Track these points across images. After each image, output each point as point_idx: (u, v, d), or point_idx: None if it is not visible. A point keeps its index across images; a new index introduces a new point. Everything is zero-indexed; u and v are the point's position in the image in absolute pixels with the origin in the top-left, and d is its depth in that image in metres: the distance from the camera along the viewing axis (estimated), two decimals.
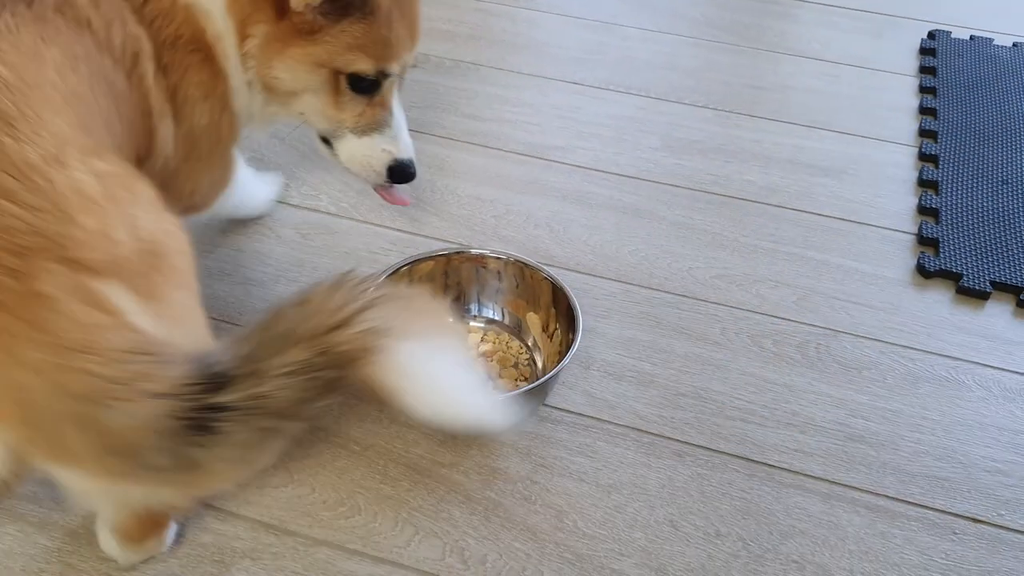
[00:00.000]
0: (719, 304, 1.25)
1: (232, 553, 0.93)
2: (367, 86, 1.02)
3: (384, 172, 1.08)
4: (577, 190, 1.44)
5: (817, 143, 1.58)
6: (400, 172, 1.09)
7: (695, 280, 1.28)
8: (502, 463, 1.03)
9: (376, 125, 1.05)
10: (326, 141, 1.08)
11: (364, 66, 0.99)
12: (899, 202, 1.46)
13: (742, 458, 1.06)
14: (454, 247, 1.16)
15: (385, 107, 1.05)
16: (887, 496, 1.02)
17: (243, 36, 0.95)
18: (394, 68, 1.02)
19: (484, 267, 1.15)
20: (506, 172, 1.46)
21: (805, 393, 1.14)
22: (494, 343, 1.15)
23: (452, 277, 1.16)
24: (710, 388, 1.13)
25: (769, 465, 1.05)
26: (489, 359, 1.12)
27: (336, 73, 0.98)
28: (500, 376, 1.11)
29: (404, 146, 1.08)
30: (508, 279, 1.15)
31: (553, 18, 1.93)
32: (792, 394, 1.13)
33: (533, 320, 1.14)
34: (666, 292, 1.26)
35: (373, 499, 0.99)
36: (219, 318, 1.18)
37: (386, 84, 1.03)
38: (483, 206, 1.39)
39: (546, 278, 1.12)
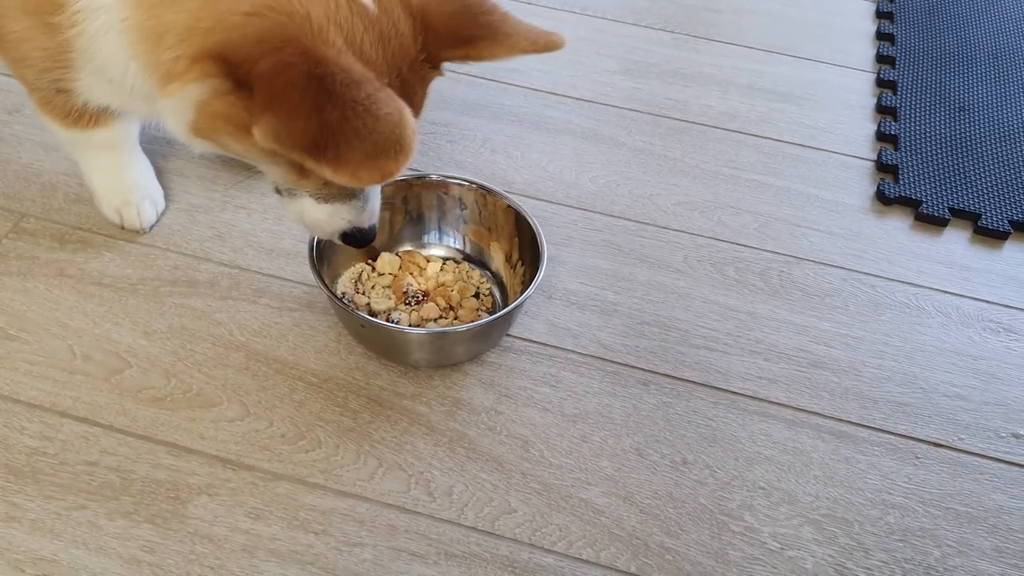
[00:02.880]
0: (681, 231, 1.23)
1: (188, 489, 0.89)
2: None
3: (335, 235, 0.92)
4: (535, 114, 1.39)
5: (775, 68, 1.55)
6: (355, 238, 0.93)
7: (656, 207, 1.26)
8: (465, 394, 1.01)
9: (343, 196, 0.88)
10: (278, 191, 0.93)
11: None
12: (858, 128, 1.44)
13: (707, 386, 1.05)
14: (414, 173, 1.11)
15: None
16: (850, 422, 1.03)
17: (161, 75, 0.78)
18: None
19: (446, 193, 1.11)
20: (459, 95, 1.41)
21: (768, 320, 1.13)
22: (454, 272, 1.11)
23: (412, 204, 1.11)
24: (673, 316, 1.12)
25: (734, 392, 1.04)
26: (449, 289, 1.09)
27: None
28: (460, 306, 1.08)
29: (369, 215, 0.92)
30: (471, 207, 1.11)
31: None
32: (755, 321, 1.12)
33: (496, 249, 1.11)
34: (628, 220, 1.24)
35: (334, 432, 0.96)
36: (165, 247, 1.12)
37: None
38: (436, 131, 1.34)
39: (510, 206, 1.08)
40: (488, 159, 1.30)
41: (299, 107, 0.68)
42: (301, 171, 0.84)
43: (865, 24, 1.69)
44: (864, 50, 1.62)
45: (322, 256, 1.03)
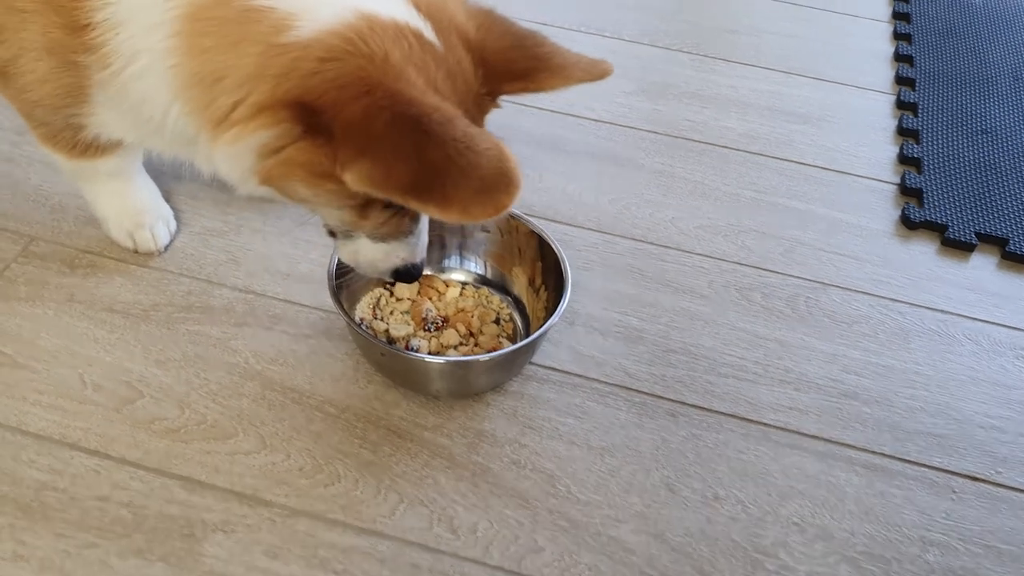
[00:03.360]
0: (705, 256, 1.20)
1: (203, 526, 0.86)
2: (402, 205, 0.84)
3: (388, 273, 0.92)
4: (551, 136, 1.37)
5: (794, 89, 1.53)
6: (406, 275, 0.93)
7: (679, 231, 1.23)
8: (488, 425, 0.98)
9: (399, 233, 0.88)
10: (331, 233, 0.93)
11: None
12: (880, 151, 1.42)
13: (737, 417, 1.02)
14: None
15: (415, 217, 0.88)
16: (884, 454, 1.00)
17: (214, 120, 0.75)
18: None
19: None
20: None
21: (797, 348, 1.10)
22: (474, 297, 1.08)
23: (433, 227, 1.08)
24: (700, 344, 1.09)
25: (765, 424, 1.01)
26: (469, 314, 1.06)
27: (370, 199, 0.80)
28: (481, 332, 1.05)
29: (420, 250, 0.92)
30: (493, 231, 1.08)
31: None
32: (784, 349, 1.10)
33: (518, 274, 1.08)
34: (650, 243, 1.21)
35: (353, 465, 0.92)
36: (178, 272, 1.09)
37: None
38: None
39: (532, 230, 1.05)
40: None
41: (398, 150, 0.67)
42: (362, 213, 0.83)
43: (882, 45, 1.67)
44: (882, 71, 1.60)
45: (340, 282, 1.00)
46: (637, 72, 1.53)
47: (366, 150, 0.68)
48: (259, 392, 0.98)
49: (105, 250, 1.11)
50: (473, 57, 0.80)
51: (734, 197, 1.30)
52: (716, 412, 1.02)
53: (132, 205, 1.09)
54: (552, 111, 1.41)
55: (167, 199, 1.15)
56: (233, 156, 0.76)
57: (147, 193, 1.11)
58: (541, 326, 0.97)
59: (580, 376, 1.04)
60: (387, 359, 0.96)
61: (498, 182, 0.67)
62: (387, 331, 1.03)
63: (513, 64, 0.82)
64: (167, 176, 1.20)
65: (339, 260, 0.99)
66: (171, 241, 1.12)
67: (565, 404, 1.00)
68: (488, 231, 1.08)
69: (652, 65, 1.55)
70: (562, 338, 1.07)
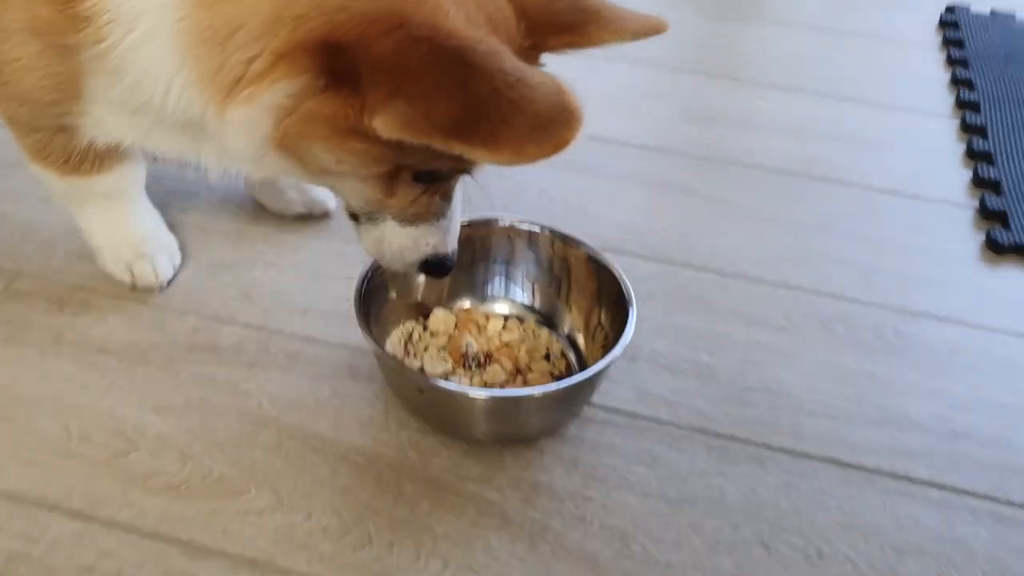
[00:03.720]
0: (777, 284, 1.06)
1: None
2: (434, 178, 0.76)
3: (416, 263, 0.82)
4: (593, 162, 1.24)
5: (851, 115, 1.41)
6: (437, 266, 0.83)
7: (744, 258, 1.10)
8: (544, 476, 0.83)
9: (428, 215, 0.79)
10: (353, 216, 0.82)
11: (444, 167, 0.73)
12: (950, 174, 1.29)
13: (833, 461, 0.87)
14: (477, 216, 0.95)
15: (446, 196, 0.80)
16: (1013, 503, 0.84)
17: (225, 85, 0.66)
18: (480, 167, 0.76)
19: (514, 240, 0.95)
20: None
21: (892, 383, 0.95)
22: (519, 331, 0.94)
23: (471, 253, 0.95)
24: (782, 380, 0.94)
25: (866, 469, 0.86)
26: (515, 349, 0.92)
27: (400, 166, 0.72)
28: (530, 369, 0.91)
29: (451, 238, 0.83)
30: (543, 256, 0.95)
31: None
32: (877, 385, 0.95)
33: (571, 306, 0.94)
34: (713, 272, 1.07)
35: (386, 525, 0.77)
36: (183, 308, 0.96)
37: (455, 178, 0.79)
38: (484, 180, 1.18)
39: (590, 256, 0.92)
40: (546, 208, 1.15)
41: (439, 85, 0.58)
42: (389, 188, 0.74)
43: (935, 71, 1.56)
44: (939, 96, 1.48)
45: (368, 313, 0.86)
46: (680, 99, 1.41)
47: (400, 88, 0.59)
48: (274, 441, 0.84)
49: (99, 286, 0.98)
50: (515, 7, 0.71)
51: (800, 223, 1.17)
52: (809, 456, 0.87)
53: (131, 233, 0.97)
54: (593, 138, 1.29)
55: (172, 231, 1.03)
56: (246, 123, 0.66)
57: (149, 220, 0.99)
58: (601, 359, 0.82)
59: (648, 418, 0.89)
60: (426, 396, 0.82)
61: (557, 116, 0.58)
62: (421, 369, 0.89)
63: (558, 16, 0.72)
64: (173, 207, 1.08)
65: (366, 285, 0.86)
66: (175, 275, 0.99)
67: (633, 450, 0.86)
68: (537, 257, 0.95)
69: (695, 92, 1.43)
70: (624, 376, 0.93)
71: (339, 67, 0.62)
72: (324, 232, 1.07)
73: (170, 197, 1.10)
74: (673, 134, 1.32)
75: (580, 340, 0.93)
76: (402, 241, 0.79)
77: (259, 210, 1.09)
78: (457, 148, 0.59)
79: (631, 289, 0.88)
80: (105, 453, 0.81)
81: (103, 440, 0.83)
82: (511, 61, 0.60)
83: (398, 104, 0.59)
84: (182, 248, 1.02)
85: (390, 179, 0.73)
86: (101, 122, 0.81)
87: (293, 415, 0.86)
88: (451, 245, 0.82)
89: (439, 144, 0.59)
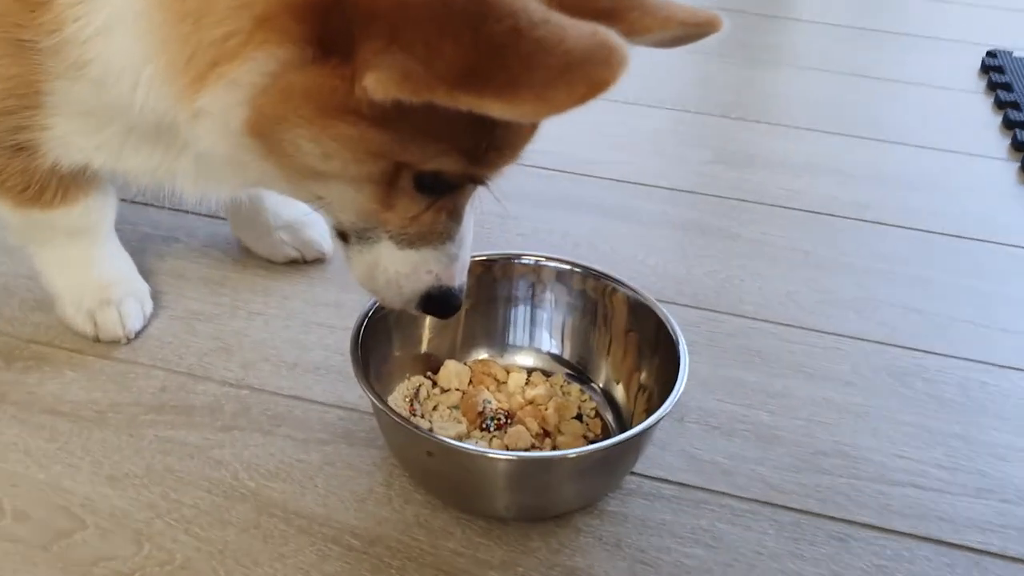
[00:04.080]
0: (839, 335, 0.92)
1: None
2: (441, 186, 0.63)
3: (416, 300, 0.68)
4: (621, 205, 1.12)
5: (898, 157, 1.29)
6: (440, 303, 0.68)
7: (798, 306, 0.96)
8: (582, 561, 0.67)
9: (432, 236, 0.65)
10: (343, 236, 0.68)
11: (452, 168, 0.60)
12: (1017, 218, 1.16)
13: (930, 540, 0.71)
14: (489, 254, 0.82)
15: (454, 214, 0.66)
16: None
17: (198, 71, 0.56)
18: (496, 174, 0.63)
19: (539, 278, 0.81)
20: (530, 188, 1.14)
21: (988, 446, 0.80)
22: (545, 386, 0.80)
23: (488, 294, 0.81)
24: (858, 444, 0.80)
25: (971, 549, 0.71)
26: (542, 407, 0.77)
27: (400, 165, 0.60)
28: (559, 431, 0.76)
29: (460, 269, 0.69)
30: (574, 298, 0.81)
31: None
32: (971, 448, 0.80)
33: (608, 357, 0.80)
34: (765, 321, 0.93)
35: None
36: (150, 363, 0.82)
37: (467, 190, 0.66)
38: (505, 224, 1.06)
39: (628, 296, 0.78)
40: (571, 252, 1.00)
41: (444, 28, 0.48)
42: (387, 197, 0.61)
43: (983, 113, 1.44)
44: (992, 138, 1.36)
45: (367, 365, 0.72)
46: (713, 141, 1.30)
47: (397, 35, 0.48)
48: (251, 518, 0.69)
49: (56, 339, 0.84)
50: None
51: (857, 268, 1.03)
52: (900, 533, 0.72)
53: (96, 277, 0.84)
54: (618, 180, 1.17)
55: (147, 278, 0.90)
56: (218, 111, 0.55)
57: (117, 262, 0.86)
58: (646, 419, 0.68)
59: (703, 489, 0.74)
60: (436, 459, 0.67)
61: (593, 53, 0.46)
62: (430, 430, 0.74)
63: (595, 2, 0.59)
64: (149, 252, 0.95)
65: (365, 330, 0.72)
66: (144, 326, 0.86)
67: (688, 528, 0.70)
68: (567, 299, 0.81)
69: (729, 135, 1.32)
70: (671, 439, 0.78)
71: (329, 31, 0.50)
72: (318, 279, 0.94)
73: (146, 242, 0.97)
74: (706, 176, 1.20)
75: (618, 396, 0.79)
76: (400, 267, 0.66)
77: (246, 255, 0.96)
78: (466, 102, 0.47)
79: (680, 334, 0.74)
80: (44, 534, 0.67)
81: (43, 518, 0.68)
82: (535, 2, 0.48)
83: (395, 54, 0.47)
84: (156, 296, 0.89)
85: (388, 185, 0.60)
86: (65, 139, 0.70)
87: (275, 487, 0.71)
88: (459, 277, 0.68)
89: (443, 99, 0.48)
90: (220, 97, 0.54)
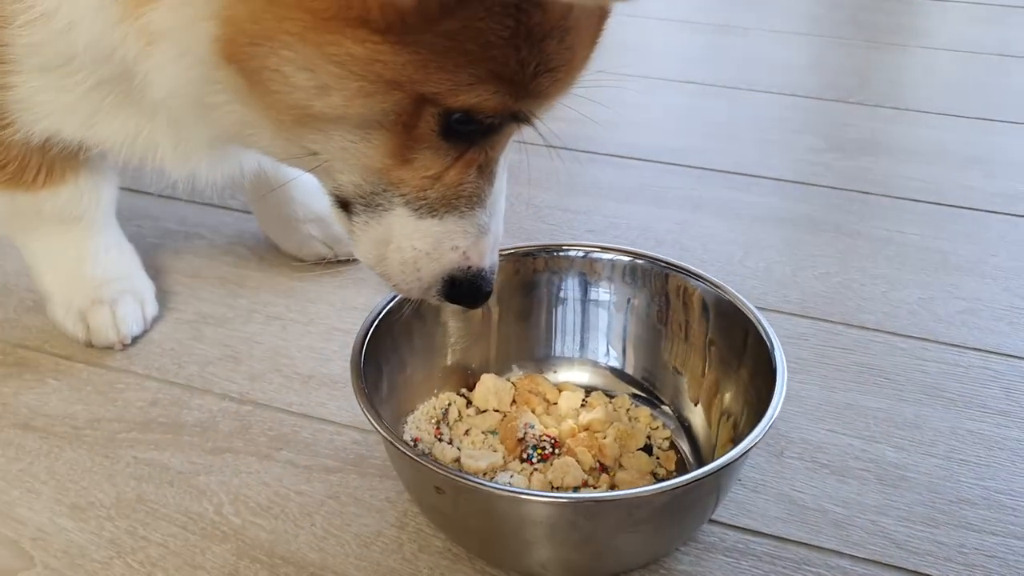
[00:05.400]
0: (987, 352, 0.73)
1: None
2: (472, 132, 0.50)
3: (437, 284, 0.55)
4: (714, 198, 0.95)
5: None
6: (468, 288, 0.55)
7: (934, 316, 0.77)
8: None
9: (458, 201, 0.52)
10: (344, 205, 0.55)
11: (490, 102, 0.47)
12: None
13: None
14: (532, 245, 0.67)
15: (486, 171, 0.53)
16: None
17: None
18: (543, 109, 0.50)
19: (595, 274, 0.66)
20: (603, 178, 0.99)
21: None
22: (605, 409, 0.64)
23: (532, 294, 0.66)
24: (1014, 489, 0.61)
25: None
26: (599, 435, 0.62)
27: (421, 100, 0.47)
28: (620, 466, 0.60)
29: (491, 244, 0.55)
30: (639, 296, 0.65)
31: (654, 22, 1.49)
32: None
33: (685, 372, 0.64)
34: (892, 333, 0.75)
35: None
36: (144, 372, 0.70)
37: (505, 132, 0.52)
38: (572, 219, 0.91)
39: (711, 297, 0.62)
40: (651, 250, 0.85)
41: None
42: (403, 144, 0.48)
43: None
44: None
45: (380, 372, 0.58)
46: (826, 128, 1.12)
47: None
48: (229, 563, 0.55)
49: (46, 344, 0.74)
50: None
51: (1006, 271, 0.84)
52: None
53: (90, 272, 0.73)
54: (711, 170, 1.00)
55: (157, 277, 0.79)
56: (176, 25, 0.45)
57: (115, 256, 0.75)
58: (731, 450, 0.51)
59: (806, 545, 0.57)
60: (449, 499, 0.52)
61: None
62: (459, 460, 0.60)
63: None
64: (165, 249, 0.85)
65: (378, 325, 0.58)
66: (145, 330, 0.75)
67: None
68: (630, 297, 0.65)
69: (846, 121, 1.13)
70: (765, 479, 0.61)
71: None
72: (350, 279, 0.81)
73: (166, 238, 0.86)
74: (818, 166, 1.02)
75: (696, 422, 0.63)
76: (417, 242, 0.52)
77: (273, 253, 0.84)
78: None
79: (777, 343, 0.57)
80: None
81: None
82: None
83: None
84: (164, 297, 0.78)
85: (403, 129, 0.47)
86: (32, 101, 0.59)
87: (263, 525, 0.58)
88: (490, 255, 0.54)
89: None
90: (174, 9, 0.43)
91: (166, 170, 0.61)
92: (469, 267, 0.53)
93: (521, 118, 0.49)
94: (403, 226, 0.52)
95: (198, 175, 0.62)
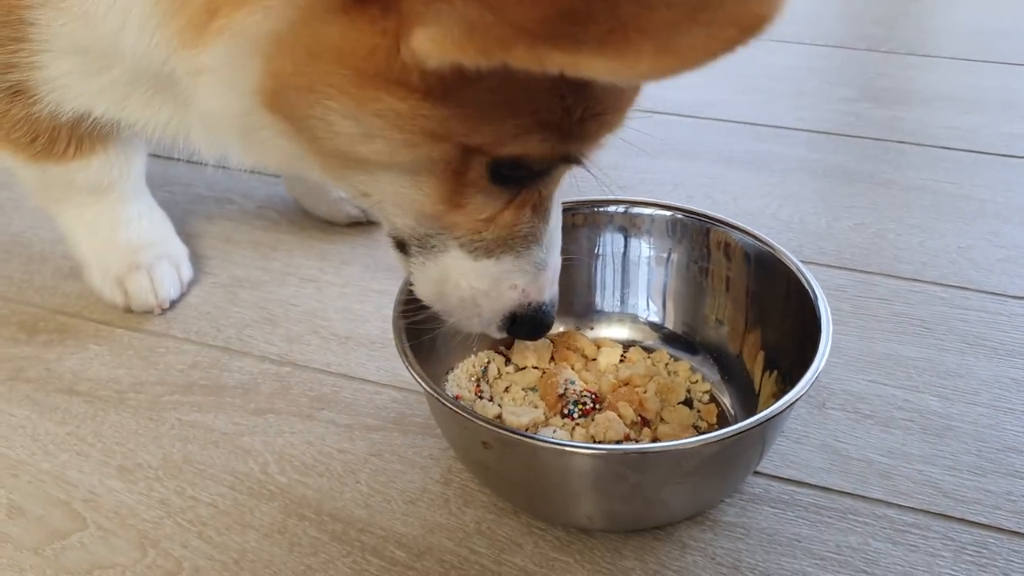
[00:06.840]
0: None
1: None
2: (523, 176, 0.50)
3: (499, 321, 0.55)
4: (745, 151, 0.94)
5: None
6: (529, 324, 0.55)
7: (974, 264, 0.77)
8: None
9: (514, 241, 0.52)
10: (401, 246, 0.55)
11: (538, 149, 0.46)
12: None
13: None
14: (580, 200, 0.67)
15: (540, 209, 0.53)
16: None
17: (196, 9, 0.45)
18: (592, 150, 0.51)
19: (635, 229, 0.66)
20: (633, 134, 0.97)
21: None
22: (645, 364, 0.64)
23: (580, 246, 0.66)
24: None
25: None
26: (640, 389, 0.62)
27: (468, 150, 0.46)
28: (662, 420, 0.60)
29: (550, 280, 0.55)
30: (680, 251, 0.65)
31: None
32: None
33: (728, 320, 0.63)
34: (931, 283, 0.74)
35: None
36: (183, 336, 0.71)
37: (556, 174, 0.53)
38: (603, 175, 0.90)
39: (751, 249, 0.62)
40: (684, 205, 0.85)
41: None
42: (454, 191, 0.48)
43: None
44: None
45: (421, 333, 0.58)
46: (859, 78, 1.10)
47: None
48: (277, 521, 0.56)
49: (85, 310, 0.74)
50: None
51: None
52: None
53: (124, 239, 0.73)
54: (741, 122, 0.99)
55: (190, 242, 0.79)
56: (223, 69, 0.44)
57: (149, 222, 0.75)
58: (774, 403, 0.51)
59: (852, 495, 0.57)
60: (496, 454, 0.52)
61: None
62: (500, 416, 0.60)
63: None
64: (197, 214, 0.85)
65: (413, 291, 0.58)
66: (183, 294, 0.75)
67: (832, 546, 0.53)
68: (671, 252, 0.65)
69: (878, 70, 1.12)
70: (809, 431, 0.61)
71: None
72: (383, 240, 0.80)
73: (197, 204, 0.87)
74: (851, 116, 1.01)
75: (738, 376, 0.62)
76: (475, 283, 0.53)
77: (303, 217, 0.85)
78: (556, 61, 0.34)
79: (820, 292, 0.57)
80: (37, 534, 0.56)
81: (40, 515, 0.57)
82: None
83: (453, 2, 0.34)
84: (199, 262, 0.78)
85: (454, 176, 0.47)
86: (60, 81, 0.59)
87: (309, 483, 0.58)
88: (549, 290, 0.54)
89: (524, 60, 0.34)
90: (224, 52, 0.43)
91: (197, 151, 0.61)
92: (529, 303, 0.53)
93: (571, 159, 0.49)
94: (460, 267, 0.52)
95: (230, 158, 0.62)
